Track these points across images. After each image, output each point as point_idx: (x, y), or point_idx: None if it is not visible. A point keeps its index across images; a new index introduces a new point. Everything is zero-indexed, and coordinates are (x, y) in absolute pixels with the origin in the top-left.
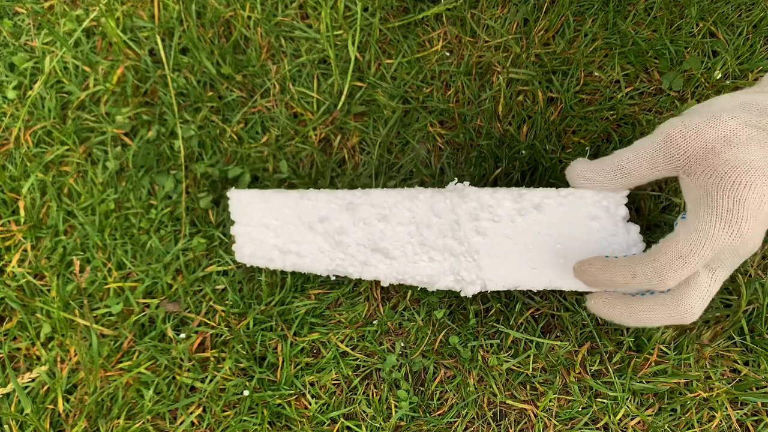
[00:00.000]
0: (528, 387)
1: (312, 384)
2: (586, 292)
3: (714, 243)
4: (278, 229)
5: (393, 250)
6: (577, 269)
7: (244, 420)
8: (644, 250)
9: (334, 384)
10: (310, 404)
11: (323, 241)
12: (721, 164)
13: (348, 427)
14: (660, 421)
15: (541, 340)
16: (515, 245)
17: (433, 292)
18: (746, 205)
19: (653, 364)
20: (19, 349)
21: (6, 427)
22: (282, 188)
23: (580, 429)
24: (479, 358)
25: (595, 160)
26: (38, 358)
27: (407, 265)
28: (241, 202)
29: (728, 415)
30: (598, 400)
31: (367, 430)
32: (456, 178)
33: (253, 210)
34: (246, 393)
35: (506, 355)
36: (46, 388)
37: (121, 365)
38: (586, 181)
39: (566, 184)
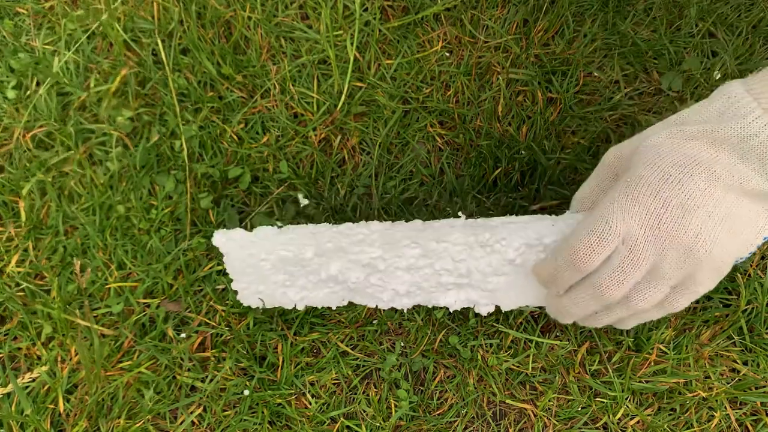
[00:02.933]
0: (527, 386)
1: (312, 383)
2: None
3: (613, 211)
4: (286, 281)
5: (408, 291)
6: (537, 278)
7: (245, 420)
8: None
9: (334, 384)
10: (311, 404)
11: (335, 285)
12: (636, 153)
13: (348, 427)
14: (659, 420)
15: (540, 339)
16: (525, 273)
17: None
18: (647, 179)
19: (652, 363)
20: (19, 348)
21: (6, 426)
22: (269, 221)
23: (579, 428)
24: (479, 357)
25: None
26: (39, 358)
27: (423, 297)
28: (231, 254)
29: (727, 414)
30: (597, 399)
31: (367, 429)
32: (461, 214)
33: (247, 259)
34: (246, 393)
35: (506, 354)
36: (46, 387)
37: (121, 365)
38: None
39: (566, 187)
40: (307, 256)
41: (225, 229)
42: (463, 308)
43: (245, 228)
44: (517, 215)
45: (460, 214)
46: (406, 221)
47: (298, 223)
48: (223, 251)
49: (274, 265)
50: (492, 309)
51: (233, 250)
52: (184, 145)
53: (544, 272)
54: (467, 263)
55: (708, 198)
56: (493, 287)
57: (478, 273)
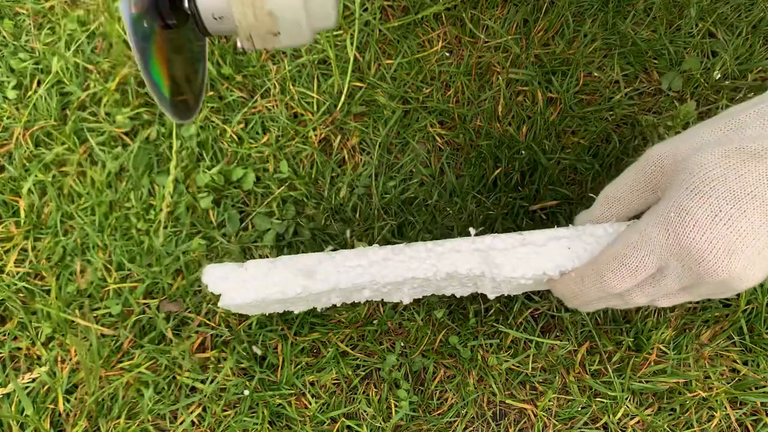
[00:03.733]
0: (527, 386)
1: (312, 384)
2: None
3: (650, 244)
4: (287, 305)
5: (412, 296)
6: (551, 289)
7: (245, 420)
8: None
9: (334, 384)
10: (311, 404)
11: (336, 299)
12: (682, 171)
13: (348, 427)
14: (659, 420)
15: (540, 339)
16: (536, 281)
17: None
18: (693, 214)
19: (652, 363)
20: (19, 348)
21: (6, 426)
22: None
23: (579, 428)
24: (479, 357)
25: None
26: (39, 358)
27: (428, 292)
28: (224, 295)
29: (727, 414)
30: (597, 399)
31: (367, 429)
32: (471, 230)
33: (242, 300)
34: (246, 393)
35: (506, 354)
36: (46, 387)
37: (121, 365)
38: (584, 221)
39: (566, 187)
40: (302, 296)
41: (215, 266)
42: (463, 310)
43: (246, 228)
44: (524, 226)
45: (470, 230)
46: (408, 227)
47: (297, 224)
48: (214, 291)
49: (270, 303)
50: (499, 294)
51: (226, 291)
52: (182, 146)
53: (566, 291)
54: (474, 282)
55: (761, 234)
56: (501, 290)
57: (487, 288)
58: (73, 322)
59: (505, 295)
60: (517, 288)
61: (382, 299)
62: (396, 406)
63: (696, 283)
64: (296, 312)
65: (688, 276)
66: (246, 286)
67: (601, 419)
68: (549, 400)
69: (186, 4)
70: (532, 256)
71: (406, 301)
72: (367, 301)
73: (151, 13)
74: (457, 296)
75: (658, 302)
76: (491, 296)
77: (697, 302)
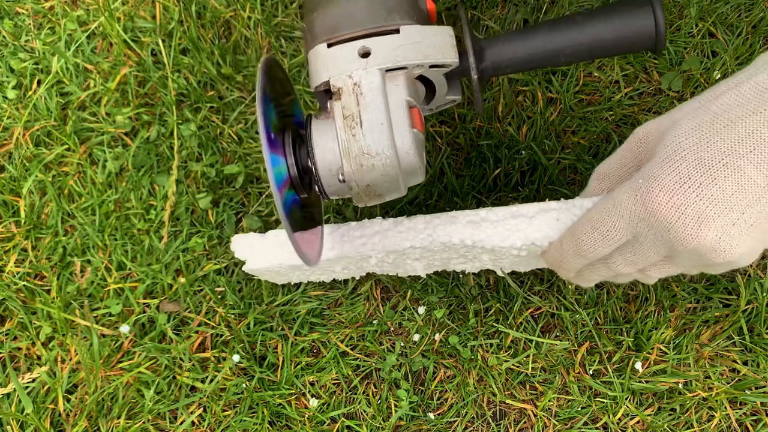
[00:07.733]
0: (527, 386)
1: (312, 384)
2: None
3: (620, 210)
4: (308, 275)
5: (422, 267)
6: (545, 262)
7: (245, 420)
8: None
9: (334, 383)
10: (311, 404)
11: (348, 268)
12: (659, 144)
13: (348, 427)
14: (659, 420)
15: (540, 339)
16: (533, 254)
17: (432, 291)
18: (661, 180)
19: (652, 363)
20: (19, 348)
21: (7, 427)
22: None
23: (579, 428)
24: (479, 357)
25: None
26: (39, 358)
27: (438, 266)
28: (249, 260)
29: (727, 414)
30: (597, 399)
31: (367, 429)
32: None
33: (264, 265)
34: (246, 393)
35: (506, 354)
36: (46, 387)
37: (121, 365)
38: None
39: (566, 187)
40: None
41: (241, 236)
42: (463, 310)
43: (244, 229)
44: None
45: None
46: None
47: None
48: (240, 257)
49: (288, 269)
50: (508, 271)
51: (249, 257)
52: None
53: (551, 258)
54: (473, 254)
55: (734, 204)
56: (503, 265)
57: (486, 260)
58: (73, 321)
59: (509, 270)
60: (517, 262)
61: (397, 273)
62: (396, 406)
63: (672, 253)
64: (313, 280)
65: (661, 244)
66: (266, 253)
67: (601, 419)
68: (549, 400)
69: (317, 188)
70: (521, 227)
71: (414, 273)
72: (366, 299)
73: (290, 186)
74: (467, 272)
75: (649, 272)
76: (499, 272)
77: (698, 302)
